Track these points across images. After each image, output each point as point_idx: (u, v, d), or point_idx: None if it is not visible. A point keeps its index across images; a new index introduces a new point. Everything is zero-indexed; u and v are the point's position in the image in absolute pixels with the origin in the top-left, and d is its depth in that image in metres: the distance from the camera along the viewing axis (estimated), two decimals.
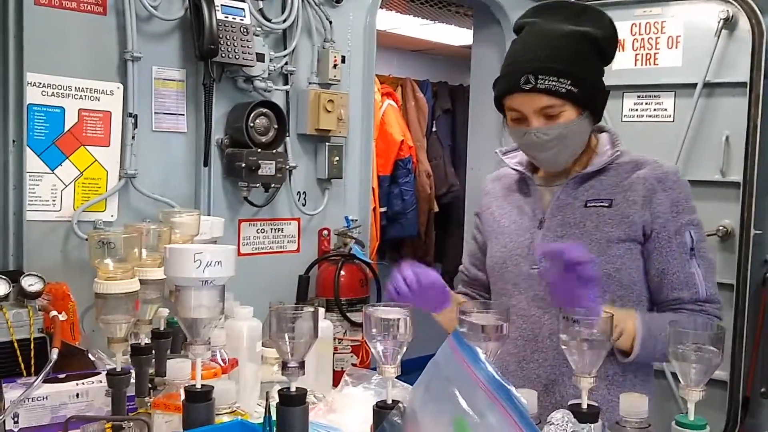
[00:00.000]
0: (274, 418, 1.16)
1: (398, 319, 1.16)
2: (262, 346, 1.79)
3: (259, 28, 2.60)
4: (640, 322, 1.47)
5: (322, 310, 1.83)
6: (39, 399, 1.56)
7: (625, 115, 3.33)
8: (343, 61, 2.85)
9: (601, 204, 1.56)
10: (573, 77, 1.49)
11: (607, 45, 1.56)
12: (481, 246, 1.78)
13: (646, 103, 3.30)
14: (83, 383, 1.62)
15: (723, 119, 3.13)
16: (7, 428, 1.53)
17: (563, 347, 1.16)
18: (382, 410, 1.14)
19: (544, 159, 1.59)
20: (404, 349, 1.16)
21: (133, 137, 2.34)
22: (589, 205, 1.57)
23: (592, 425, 1.11)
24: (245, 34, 2.50)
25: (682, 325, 1.14)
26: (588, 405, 1.14)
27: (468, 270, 1.83)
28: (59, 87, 2.22)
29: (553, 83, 1.48)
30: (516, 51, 1.57)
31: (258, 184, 2.61)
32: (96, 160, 2.31)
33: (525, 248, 1.62)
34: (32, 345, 1.75)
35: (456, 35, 5.26)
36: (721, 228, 3.10)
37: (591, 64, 1.54)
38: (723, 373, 3.08)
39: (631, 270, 1.54)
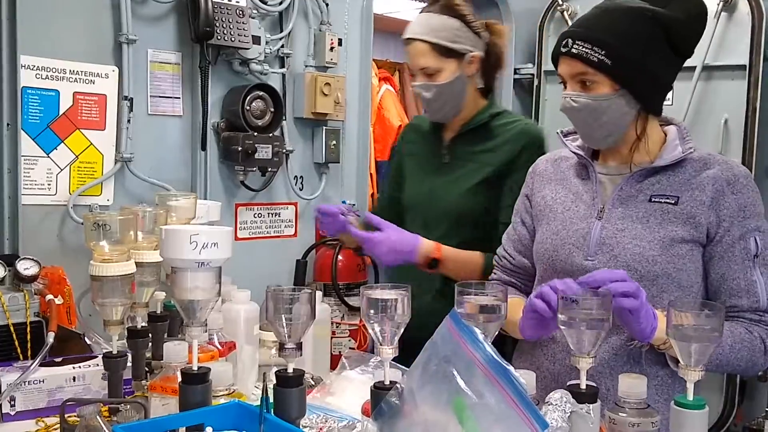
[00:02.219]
0: (271, 399, 1.16)
1: (395, 300, 1.15)
2: (260, 329, 1.79)
3: (255, 11, 2.58)
4: None
5: (319, 294, 1.83)
6: (35, 382, 1.57)
7: None
8: (339, 44, 2.84)
9: (667, 201, 1.49)
10: (609, 49, 1.45)
11: (680, 32, 1.47)
12: (530, 231, 1.69)
13: None
14: (80, 366, 1.62)
15: (722, 102, 3.12)
16: (3, 411, 1.53)
17: (561, 327, 1.15)
18: (379, 391, 1.14)
19: (579, 128, 1.56)
20: (401, 329, 1.15)
21: (128, 120, 2.33)
22: (653, 200, 1.50)
23: (591, 405, 1.10)
24: (241, 16, 2.48)
25: (682, 305, 1.12)
26: (587, 385, 1.14)
27: (512, 257, 1.72)
28: (53, 70, 2.21)
29: (586, 50, 1.46)
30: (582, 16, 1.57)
31: (254, 168, 2.60)
32: (91, 143, 2.29)
33: (580, 238, 1.53)
34: (28, 329, 1.75)
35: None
36: None
37: (647, 44, 1.46)
38: None
39: (690, 272, 1.48)
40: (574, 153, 1.62)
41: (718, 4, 3.06)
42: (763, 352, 1.44)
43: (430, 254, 1.89)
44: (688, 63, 3.13)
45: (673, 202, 1.48)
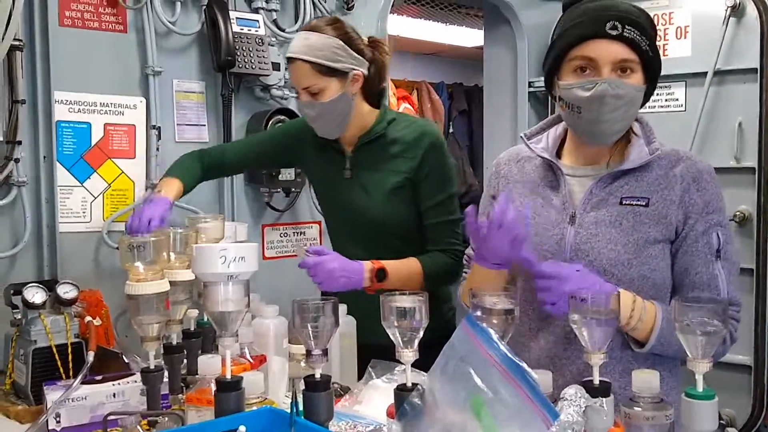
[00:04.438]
0: (300, 403, 1.22)
1: (413, 307, 1.22)
2: (289, 343, 1.85)
3: (273, 38, 2.68)
4: (660, 313, 1.45)
5: (345, 307, 1.89)
6: (78, 399, 1.64)
7: None
8: None
9: (638, 203, 1.49)
10: (650, 39, 1.44)
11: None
12: None
13: (657, 94, 3.29)
14: (119, 383, 1.69)
15: (735, 106, 3.14)
16: (50, 428, 1.61)
17: (573, 325, 1.21)
18: (402, 392, 1.20)
19: (605, 120, 1.45)
20: (420, 333, 1.21)
21: (157, 149, 2.43)
22: (624, 203, 1.50)
23: (604, 399, 1.15)
24: (260, 44, 2.58)
25: (687, 301, 1.17)
26: (600, 380, 1.19)
27: None
28: (85, 103, 2.32)
29: (638, 36, 1.42)
30: (592, 5, 1.48)
31: (279, 190, 2.69)
32: (123, 171, 2.40)
33: (555, 244, 1.53)
34: (69, 349, 1.82)
35: (468, 37, 5.32)
36: (738, 213, 3.12)
37: (654, 39, 1.48)
38: (746, 357, 3.09)
39: (663, 269, 1.50)
40: (540, 156, 1.59)
41: (727, 10, 3.10)
42: (722, 342, 1.38)
43: (376, 266, 1.89)
44: (699, 69, 3.24)
45: (644, 204, 1.49)
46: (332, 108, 1.96)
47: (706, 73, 3.17)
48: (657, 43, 1.48)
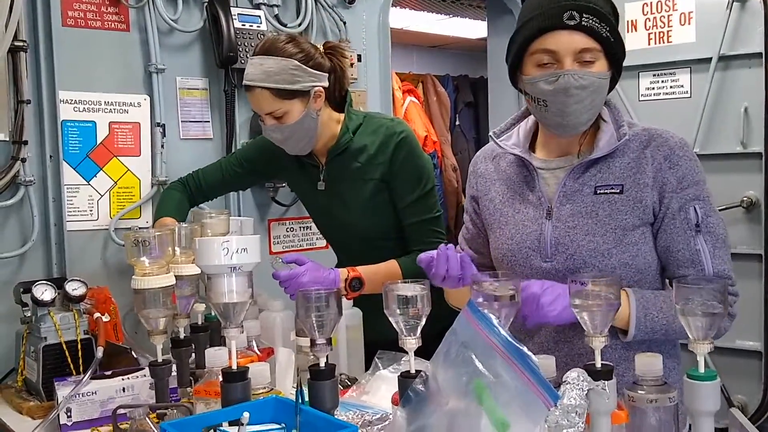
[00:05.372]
0: (305, 392, 1.23)
1: (415, 295, 1.22)
2: (296, 335, 1.86)
3: (275, 33, 2.69)
4: (633, 301, 1.43)
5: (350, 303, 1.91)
6: (89, 394, 1.66)
7: (642, 95, 3.35)
8: (359, 59, 2.93)
9: (613, 191, 1.48)
10: (611, 26, 1.42)
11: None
12: (480, 231, 1.69)
13: (662, 81, 3.32)
14: (128, 378, 1.72)
15: (740, 91, 3.13)
16: (61, 422, 1.63)
17: (575, 310, 1.21)
18: (406, 380, 1.21)
19: (572, 112, 1.43)
20: (423, 321, 1.22)
21: (162, 146, 2.45)
22: (599, 191, 1.48)
23: (606, 382, 1.16)
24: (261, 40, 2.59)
25: (687, 282, 1.17)
26: (602, 363, 1.19)
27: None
28: (90, 102, 2.34)
29: (597, 24, 1.39)
30: None
31: (284, 184, 2.70)
32: (128, 169, 2.42)
33: (535, 240, 1.52)
34: (79, 345, 1.85)
35: (472, 28, 5.31)
36: (745, 199, 3.11)
37: (616, 24, 1.47)
38: (756, 343, 3.08)
39: (645, 254, 1.48)
40: (511, 153, 1.59)
41: None
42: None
43: (351, 275, 1.89)
44: (704, 55, 3.23)
45: (618, 191, 1.47)
46: (299, 128, 1.93)
47: (711, 58, 3.15)
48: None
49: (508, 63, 1.53)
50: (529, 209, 1.56)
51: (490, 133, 1.63)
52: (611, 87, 1.50)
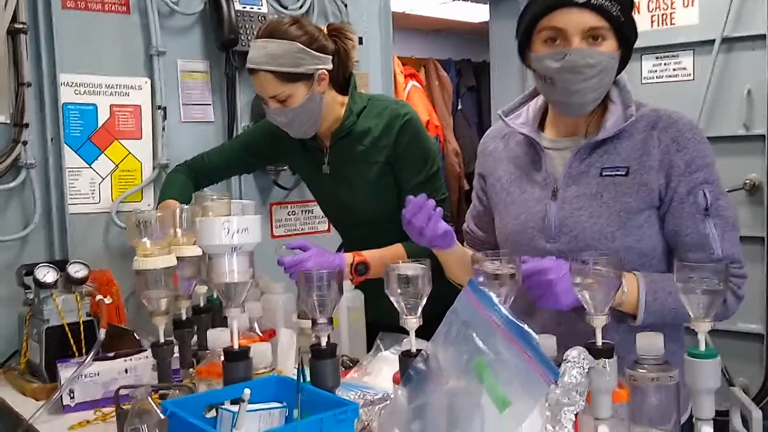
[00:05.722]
0: (306, 371, 1.24)
1: (416, 275, 1.23)
2: (298, 317, 1.87)
3: (276, 16, 2.67)
4: (642, 284, 1.42)
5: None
6: (91, 376, 1.67)
7: (644, 77, 3.34)
8: (360, 42, 2.91)
9: (618, 173, 1.46)
10: (622, 4, 1.41)
11: None
12: (487, 209, 1.70)
13: (665, 64, 3.30)
14: (131, 359, 1.72)
15: (744, 73, 3.12)
16: (65, 403, 1.64)
17: (576, 289, 1.21)
18: (407, 358, 1.21)
19: (578, 91, 1.43)
20: (423, 300, 1.23)
21: (163, 129, 2.44)
22: (605, 173, 1.47)
23: (607, 360, 1.16)
24: (263, 22, 2.58)
25: (687, 260, 1.17)
26: (603, 342, 1.19)
27: (474, 232, 1.76)
28: (91, 85, 2.33)
29: (607, 2, 1.38)
30: None
31: (285, 167, 2.70)
32: (130, 152, 2.41)
33: (540, 221, 1.52)
34: (81, 327, 1.86)
35: (475, 12, 5.28)
36: (748, 181, 3.10)
37: (631, 6, 1.45)
38: (758, 326, 3.09)
39: (651, 237, 1.47)
40: (519, 132, 1.58)
41: None
42: (724, 301, 1.40)
43: (357, 260, 1.89)
44: (707, 37, 3.21)
45: (623, 173, 1.46)
46: (303, 111, 1.92)
47: (714, 41, 3.14)
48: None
49: (517, 39, 1.52)
50: (535, 189, 1.55)
51: (499, 112, 1.63)
52: (621, 68, 1.49)
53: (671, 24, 3.27)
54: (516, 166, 1.61)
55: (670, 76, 3.31)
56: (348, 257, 1.90)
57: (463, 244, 1.73)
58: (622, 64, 1.49)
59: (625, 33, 1.44)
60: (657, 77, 3.33)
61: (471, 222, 1.76)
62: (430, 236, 1.51)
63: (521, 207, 1.56)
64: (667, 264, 1.53)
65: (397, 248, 1.95)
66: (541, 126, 1.60)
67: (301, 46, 1.87)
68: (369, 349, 1.80)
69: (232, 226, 1.25)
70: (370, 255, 1.92)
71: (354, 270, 1.89)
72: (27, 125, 2.17)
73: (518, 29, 1.51)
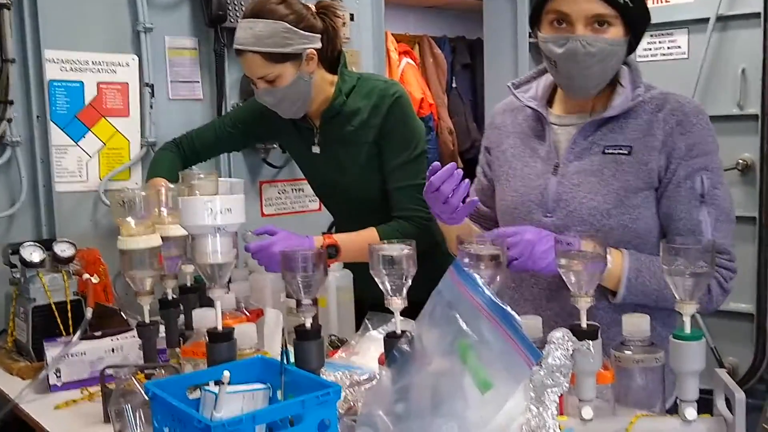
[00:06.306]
0: (291, 351, 1.23)
1: (401, 255, 1.22)
2: (287, 297, 1.86)
3: None
4: (627, 262, 1.43)
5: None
6: (78, 355, 1.67)
7: (639, 56, 3.31)
8: (351, 18, 2.88)
9: (620, 151, 1.47)
10: None
11: None
12: (490, 182, 1.71)
13: (660, 42, 3.28)
14: (117, 339, 1.72)
15: (738, 52, 3.11)
16: (51, 382, 1.64)
17: (560, 270, 1.20)
18: (391, 339, 1.20)
19: (580, 76, 1.44)
20: (409, 281, 1.22)
21: (151, 106, 2.43)
22: (607, 151, 1.48)
23: (591, 342, 1.15)
24: None
25: (673, 244, 1.16)
26: (587, 324, 1.19)
27: (478, 208, 1.74)
28: (77, 62, 2.30)
29: None
30: None
31: (275, 146, 2.68)
32: (117, 130, 2.39)
33: (539, 194, 1.53)
34: (69, 306, 1.85)
35: None
36: (741, 161, 3.10)
37: None
38: (749, 306, 3.09)
39: (647, 218, 1.47)
40: (527, 106, 1.59)
41: None
42: (708, 291, 1.43)
43: (327, 242, 1.86)
44: (701, 15, 3.18)
45: (626, 152, 1.46)
46: (291, 91, 1.90)
47: (709, 19, 3.12)
48: None
49: (528, 15, 1.53)
50: (537, 163, 1.56)
51: (508, 84, 1.63)
52: (631, 50, 1.49)
53: (666, 2, 3.24)
54: (521, 140, 1.62)
55: (664, 55, 3.29)
56: (318, 240, 1.87)
57: None
58: (633, 46, 1.48)
59: (634, 18, 1.42)
60: (651, 56, 3.31)
61: (474, 196, 1.74)
62: (455, 205, 1.47)
63: (522, 180, 1.57)
64: None
65: (370, 232, 1.92)
66: (550, 102, 1.61)
67: (289, 25, 1.84)
68: (358, 328, 1.79)
69: (215, 206, 1.24)
70: (341, 238, 1.90)
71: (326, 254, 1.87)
72: (12, 102, 2.14)
73: (530, 5, 1.52)
